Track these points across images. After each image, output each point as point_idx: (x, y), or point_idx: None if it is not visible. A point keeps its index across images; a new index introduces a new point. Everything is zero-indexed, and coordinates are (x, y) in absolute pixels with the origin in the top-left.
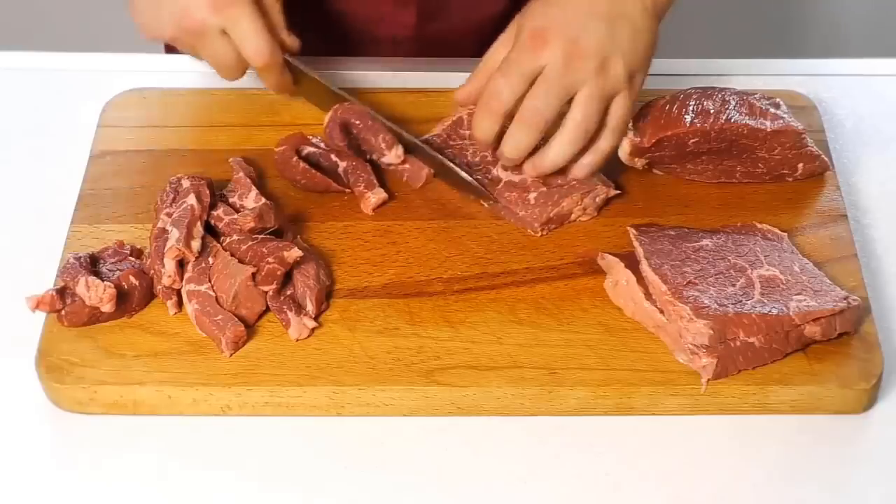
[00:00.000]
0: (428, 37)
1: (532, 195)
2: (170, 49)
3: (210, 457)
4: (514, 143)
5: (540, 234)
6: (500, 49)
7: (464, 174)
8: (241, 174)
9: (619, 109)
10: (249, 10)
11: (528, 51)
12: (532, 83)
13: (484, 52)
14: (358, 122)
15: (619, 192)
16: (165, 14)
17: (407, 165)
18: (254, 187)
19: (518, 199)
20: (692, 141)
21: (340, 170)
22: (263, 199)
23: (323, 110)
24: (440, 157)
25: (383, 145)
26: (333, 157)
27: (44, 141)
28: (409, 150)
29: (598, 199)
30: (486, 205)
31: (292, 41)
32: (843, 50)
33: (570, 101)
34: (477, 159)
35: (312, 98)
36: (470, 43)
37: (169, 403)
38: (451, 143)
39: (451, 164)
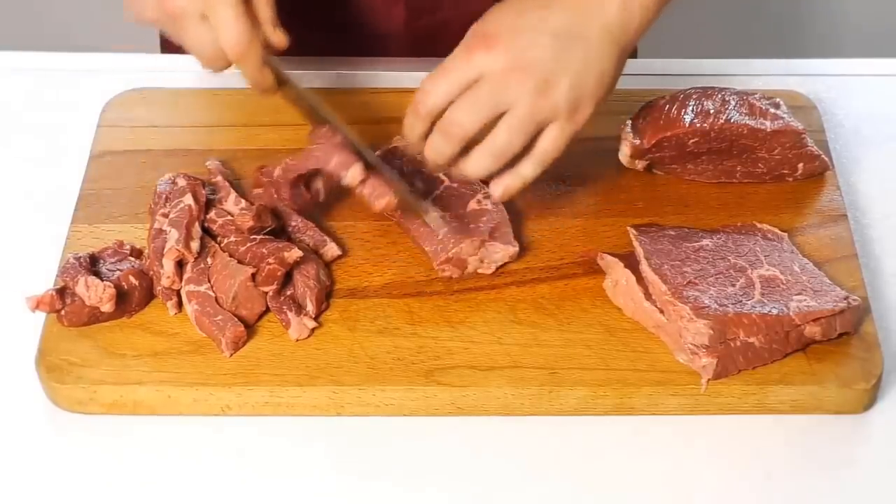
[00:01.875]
0: (418, 33)
1: (443, 230)
2: (167, 48)
3: (210, 456)
4: (432, 151)
5: (446, 274)
6: None
7: (421, 204)
8: (220, 177)
9: (548, 139)
10: None
11: (468, 53)
12: (466, 88)
13: None
14: (320, 143)
15: (515, 248)
16: None
17: (366, 190)
18: (233, 190)
19: (428, 233)
20: (692, 141)
21: (289, 229)
22: (243, 202)
23: (303, 117)
24: (403, 184)
25: (341, 168)
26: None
27: (44, 141)
28: (373, 170)
29: (496, 256)
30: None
31: (279, 38)
32: (843, 50)
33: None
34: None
35: (292, 104)
36: (460, 39)
37: (169, 403)
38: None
39: (409, 192)
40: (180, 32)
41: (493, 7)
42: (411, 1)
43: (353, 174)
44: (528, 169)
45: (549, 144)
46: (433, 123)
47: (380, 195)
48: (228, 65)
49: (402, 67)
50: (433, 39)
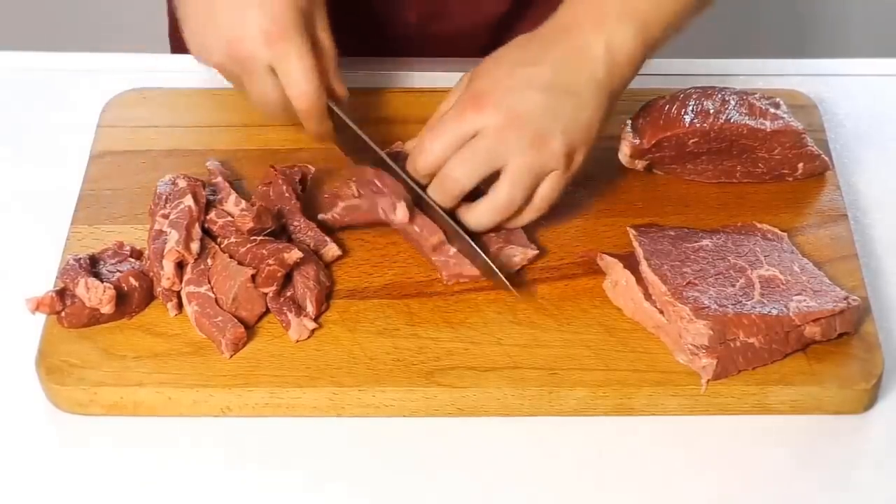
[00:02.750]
0: (430, 37)
1: (454, 248)
2: (177, 49)
3: (210, 457)
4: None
5: (450, 283)
6: (450, 100)
7: (478, 249)
8: (220, 178)
9: (547, 188)
10: (301, 48)
11: (464, 112)
12: (463, 144)
13: (486, 51)
14: (373, 185)
15: (537, 251)
16: (216, 39)
17: (416, 228)
18: (233, 191)
19: (436, 246)
20: (692, 141)
21: (290, 229)
22: (243, 203)
23: (356, 164)
24: (455, 225)
25: (388, 208)
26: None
27: (44, 141)
28: (423, 209)
29: (515, 260)
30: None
31: (341, 90)
32: (843, 50)
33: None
34: None
35: (348, 150)
36: (472, 43)
37: (169, 405)
38: None
39: (466, 236)
40: (245, 80)
41: (484, 63)
42: (422, 7)
43: (400, 214)
44: (525, 216)
45: (547, 193)
46: None
47: (431, 232)
48: (285, 113)
49: (414, 68)
50: (444, 45)
